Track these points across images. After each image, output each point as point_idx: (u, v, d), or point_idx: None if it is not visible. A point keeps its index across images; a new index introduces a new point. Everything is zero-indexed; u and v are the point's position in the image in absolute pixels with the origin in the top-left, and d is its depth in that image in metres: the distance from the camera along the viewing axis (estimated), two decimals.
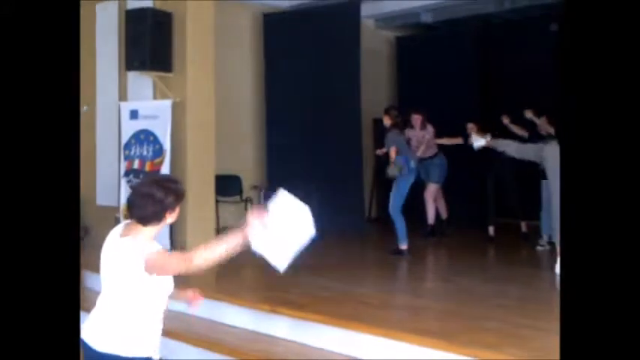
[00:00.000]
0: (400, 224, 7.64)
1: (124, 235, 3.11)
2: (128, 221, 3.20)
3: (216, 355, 5.04)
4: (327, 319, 4.87)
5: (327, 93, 9.57)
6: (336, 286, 6.02)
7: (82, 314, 5.93)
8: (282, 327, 5.09)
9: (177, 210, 3.14)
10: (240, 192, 10.15)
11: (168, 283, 3.19)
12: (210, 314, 5.60)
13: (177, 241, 7.53)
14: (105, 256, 3.18)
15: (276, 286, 6.04)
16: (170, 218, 3.12)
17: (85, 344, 3.19)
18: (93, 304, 3.29)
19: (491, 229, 8.93)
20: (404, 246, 7.63)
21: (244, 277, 6.96)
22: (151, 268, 2.98)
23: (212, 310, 5.60)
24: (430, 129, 9.09)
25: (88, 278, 6.85)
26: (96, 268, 3.27)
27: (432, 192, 9.15)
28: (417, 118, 9.07)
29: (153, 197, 3.04)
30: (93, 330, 3.19)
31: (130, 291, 3.06)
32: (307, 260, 7.24)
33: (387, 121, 7.99)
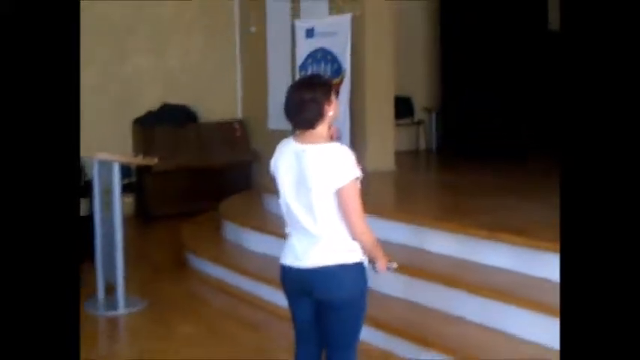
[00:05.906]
0: None
1: (304, 144, 3.07)
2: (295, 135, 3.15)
3: (422, 282, 4.69)
4: (552, 246, 4.35)
5: (508, 7, 8.80)
6: (552, 214, 5.44)
7: (262, 235, 5.81)
8: (499, 255, 4.64)
9: (333, 101, 3.13)
10: (411, 114, 9.69)
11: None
12: (412, 240, 5.23)
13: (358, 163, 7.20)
14: (293, 170, 3.09)
15: (487, 210, 5.54)
16: (331, 111, 3.11)
17: (306, 270, 3.11)
18: (273, 226, 3.02)
19: None
20: None
21: (446, 200, 6.53)
22: (343, 192, 3.01)
23: (415, 236, 5.23)
24: None
25: (266, 201, 6.69)
26: (271, 190, 3.04)
27: None
28: None
29: (307, 99, 3.05)
30: (314, 252, 3.09)
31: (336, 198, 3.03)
32: (516, 185, 6.71)
33: None
